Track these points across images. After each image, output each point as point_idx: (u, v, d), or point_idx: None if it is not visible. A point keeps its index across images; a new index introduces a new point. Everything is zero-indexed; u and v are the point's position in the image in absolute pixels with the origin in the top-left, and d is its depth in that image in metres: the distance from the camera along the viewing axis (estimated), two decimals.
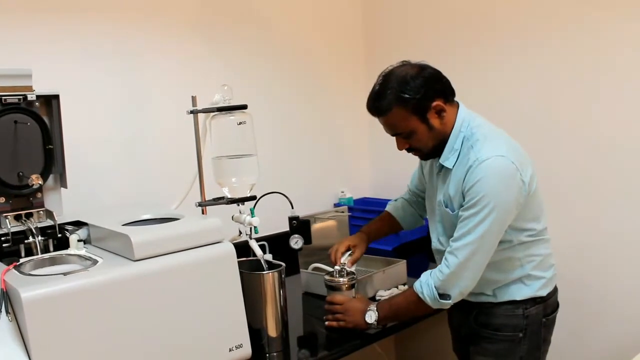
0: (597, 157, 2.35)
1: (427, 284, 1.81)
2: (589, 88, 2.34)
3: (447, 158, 1.83)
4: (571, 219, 2.44)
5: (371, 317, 1.92)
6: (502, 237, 1.79)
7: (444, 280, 1.77)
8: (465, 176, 1.75)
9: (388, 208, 2.26)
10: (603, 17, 2.27)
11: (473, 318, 1.92)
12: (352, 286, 2.05)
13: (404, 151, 1.93)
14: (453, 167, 1.82)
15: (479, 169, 1.72)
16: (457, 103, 1.86)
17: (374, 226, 2.24)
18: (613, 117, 2.29)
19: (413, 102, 1.76)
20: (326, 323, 2.00)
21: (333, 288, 2.05)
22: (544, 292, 1.87)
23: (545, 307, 1.88)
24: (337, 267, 2.08)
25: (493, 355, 1.89)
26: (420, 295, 1.82)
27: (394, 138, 1.88)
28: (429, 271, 1.83)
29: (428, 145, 1.84)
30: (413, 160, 2.08)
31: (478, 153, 1.75)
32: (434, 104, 1.78)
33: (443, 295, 1.79)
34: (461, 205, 1.77)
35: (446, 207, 1.85)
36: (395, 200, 2.27)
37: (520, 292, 1.85)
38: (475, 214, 1.72)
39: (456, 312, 2.00)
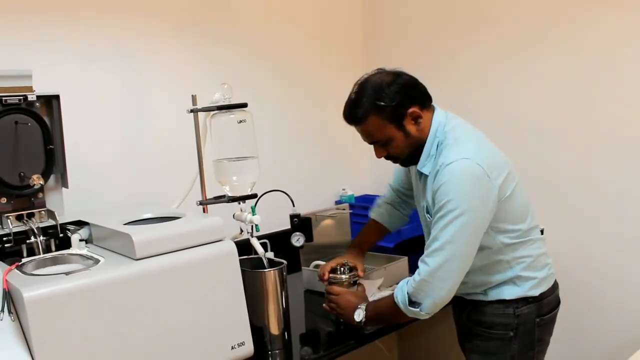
0: (596, 155, 2.36)
1: (401, 289, 1.79)
2: (588, 86, 2.35)
3: (424, 165, 1.82)
4: (570, 217, 2.45)
5: (359, 315, 1.91)
6: (485, 242, 1.77)
7: (415, 288, 1.74)
8: (434, 181, 1.74)
9: (373, 216, 2.25)
10: (602, 14, 2.28)
11: (466, 315, 1.93)
12: (353, 283, 2.05)
13: None
14: (429, 173, 1.80)
15: (443, 173, 1.70)
16: (433, 107, 1.86)
17: (365, 238, 2.25)
18: (612, 115, 2.30)
19: (389, 109, 1.76)
20: (323, 305, 2.03)
21: (333, 284, 2.05)
22: (535, 292, 1.85)
23: (540, 307, 1.86)
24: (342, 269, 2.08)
25: (484, 353, 1.90)
26: (396, 300, 1.80)
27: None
28: (408, 277, 1.81)
29: (405, 152, 1.84)
30: None
31: (445, 157, 1.74)
32: (410, 110, 1.78)
33: (414, 303, 1.75)
34: None
35: (427, 213, 1.84)
36: (378, 206, 2.25)
37: (510, 292, 1.84)
38: (441, 217, 1.70)
39: (454, 307, 2.01)
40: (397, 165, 1.99)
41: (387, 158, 1.88)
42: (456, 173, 1.69)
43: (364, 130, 1.84)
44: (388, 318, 1.92)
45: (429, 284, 1.72)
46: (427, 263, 1.72)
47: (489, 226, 1.75)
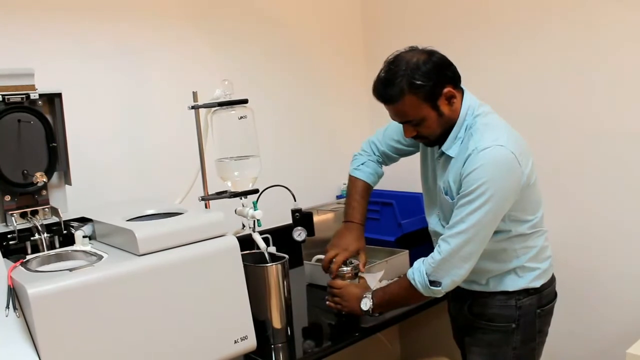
0: (596, 147, 2.37)
1: (418, 270, 1.80)
2: (589, 78, 2.35)
3: (450, 147, 1.82)
4: (570, 208, 2.46)
5: (366, 304, 1.92)
6: (500, 227, 1.78)
7: (435, 267, 1.76)
8: (464, 164, 1.74)
9: (363, 177, 2.14)
10: (602, 7, 2.28)
11: (467, 308, 1.94)
12: (355, 275, 2.06)
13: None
14: (456, 156, 1.80)
15: (477, 157, 1.70)
16: (462, 89, 1.85)
17: (362, 208, 2.13)
18: (612, 108, 2.31)
19: (426, 88, 1.72)
20: (327, 303, 2.04)
21: (336, 277, 2.05)
22: (537, 284, 1.87)
23: (540, 298, 1.88)
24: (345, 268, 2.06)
25: (487, 346, 1.91)
26: (412, 282, 1.81)
27: (401, 125, 1.87)
28: (422, 258, 1.82)
29: (436, 132, 1.81)
30: None
31: (477, 142, 1.73)
32: (445, 90, 1.75)
33: (434, 283, 1.77)
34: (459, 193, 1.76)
35: (446, 194, 1.84)
36: (363, 163, 2.15)
37: (513, 283, 1.86)
38: (470, 202, 1.71)
39: (453, 301, 2.02)
40: (398, 124, 1.95)
41: (415, 138, 1.86)
42: (490, 159, 1.69)
43: (398, 110, 1.78)
44: (399, 301, 1.94)
45: (450, 263, 1.74)
46: (449, 243, 1.74)
47: (506, 213, 1.77)
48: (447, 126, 1.81)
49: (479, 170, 1.69)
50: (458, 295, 1.94)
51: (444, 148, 1.83)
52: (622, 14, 2.23)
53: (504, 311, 1.87)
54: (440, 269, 1.76)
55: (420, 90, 1.73)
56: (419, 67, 1.73)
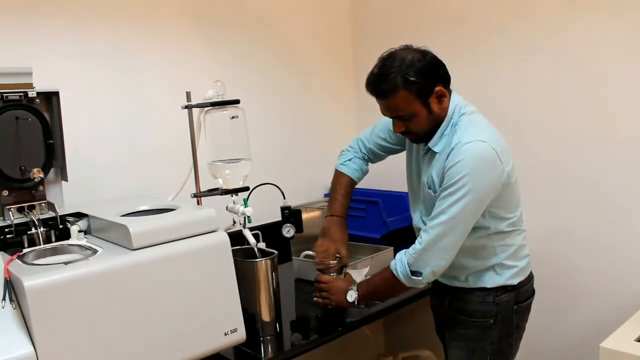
0: (574, 150, 2.42)
1: (400, 261, 1.84)
2: (566, 83, 2.40)
3: (436, 143, 1.85)
4: (548, 209, 2.51)
5: (352, 296, 1.96)
6: (480, 224, 1.82)
7: (416, 257, 1.80)
8: (447, 158, 1.77)
9: (349, 173, 2.18)
10: (581, 16, 2.33)
11: (448, 303, 1.97)
12: (340, 270, 2.09)
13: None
14: (440, 151, 1.84)
15: (460, 151, 1.74)
16: (451, 90, 1.88)
17: (346, 203, 2.17)
18: (590, 112, 2.35)
19: (419, 85, 1.76)
20: (314, 299, 2.07)
21: (323, 271, 2.09)
22: (514, 281, 1.91)
23: (517, 295, 1.92)
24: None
25: (466, 340, 1.95)
26: (394, 273, 1.85)
27: (391, 120, 1.90)
28: (404, 250, 1.86)
29: (424, 129, 1.84)
30: None
31: (461, 137, 1.77)
32: (437, 88, 1.79)
33: (415, 273, 1.81)
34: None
35: (429, 188, 1.88)
36: (350, 159, 2.19)
37: (491, 280, 1.89)
38: (450, 194, 1.74)
39: (434, 296, 2.06)
40: (385, 122, 2.01)
41: (403, 133, 1.89)
42: (472, 153, 1.73)
43: (390, 104, 1.81)
44: (383, 292, 1.99)
45: (430, 253, 1.78)
46: (429, 233, 1.78)
47: (486, 210, 1.80)
48: (435, 124, 1.85)
49: (461, 164, 1.73)
50: (439, 290, 1.99)
51: (430, 144, 1.87)
52: (601, 23, 2.27)
53: (482, 307, 1.90)
54: (421, 259, 1.80)
55: (413, 86, 1.76)
56: (414, 64, 1.76)
